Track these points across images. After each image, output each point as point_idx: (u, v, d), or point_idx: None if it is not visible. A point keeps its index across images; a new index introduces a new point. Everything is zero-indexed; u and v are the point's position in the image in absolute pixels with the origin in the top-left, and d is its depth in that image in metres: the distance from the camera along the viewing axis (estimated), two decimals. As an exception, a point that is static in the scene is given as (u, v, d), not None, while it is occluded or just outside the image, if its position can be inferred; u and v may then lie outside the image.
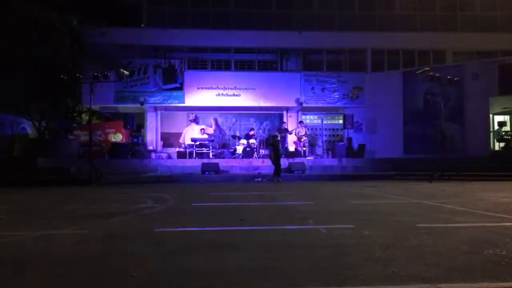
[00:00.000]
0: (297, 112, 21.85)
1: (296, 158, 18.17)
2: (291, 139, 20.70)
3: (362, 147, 19.67)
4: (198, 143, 19.08)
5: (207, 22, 22.20)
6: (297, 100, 20.85)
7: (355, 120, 19.99)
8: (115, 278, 2.86)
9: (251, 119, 22.45)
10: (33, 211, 6.85)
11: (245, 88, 20.77)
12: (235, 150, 19.27)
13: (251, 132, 19.26)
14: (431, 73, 14.82)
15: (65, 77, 15.46)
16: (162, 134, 21.66)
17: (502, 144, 18.80)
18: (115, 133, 20.01)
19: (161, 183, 14.03)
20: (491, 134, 18.89)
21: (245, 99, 20.73)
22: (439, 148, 14.56)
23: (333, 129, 22.86)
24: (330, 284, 2.63)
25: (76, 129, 20.21)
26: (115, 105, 20.70)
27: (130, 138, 19.65)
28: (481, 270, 2.90)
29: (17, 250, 3.83)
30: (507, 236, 4.06)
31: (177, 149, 20.05)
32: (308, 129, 20.20)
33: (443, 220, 5.24)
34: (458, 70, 17.82)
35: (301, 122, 20.24)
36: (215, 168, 16.29)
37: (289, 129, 20.04)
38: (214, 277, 2.83)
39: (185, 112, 21.85)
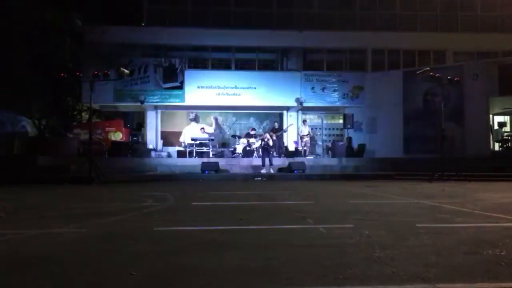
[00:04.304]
0: (297, 111, 21.86)
1: (296, 158, 18.18)
2: (291, 138, 20.72)
3: (362, 146, 19.67)
4: (198, 142, 19.08)
5: (207, 21, 22.20)
6: (297, 100, 20.85)
7: (355, 120, 20.00)
8: (115, 277, 2.87)
9: (251, 119, 22.47)
10: (32, 209, 6.85)
11: (246, 88, 20.78)
12: (235, 149, 19.28)
13: (252, 132, 19.26)
14: (431, 73, 14.82)
15: (66, 76, 15.44)
16: (162, 133, 21.66)
17: (502, 145, 18.81)
18: (115, 131, 20.00)
19: (161, 182, 14.03)
20: (491, 134, 18.88)
21: (245, 99, 20.73)
22: (439, 148, 14.56)
23: (333, 129, 22.87)
24: (329, 284, 2.63)
25: (76, 127, 20.21)
26: (115, 104, 20.71)
27: (130, 137, 19.65)
28: (480, 270, 2.90)
29: (16, 248, 3.83)
30: (507, 237, 4.06)
31: (177, 148, 20.06)
32: (310, 129, 20.14)
33: (443, 220, 5.24)
34: (458, 70, 17.82)
35: (304, 121, 20.23)
36: (215, 167, 16.29)
37: (284, 127, 20.17)
38: (214, 276, 2.83)
39: (185, 111, 21.87)
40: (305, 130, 19.47)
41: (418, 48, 22.84)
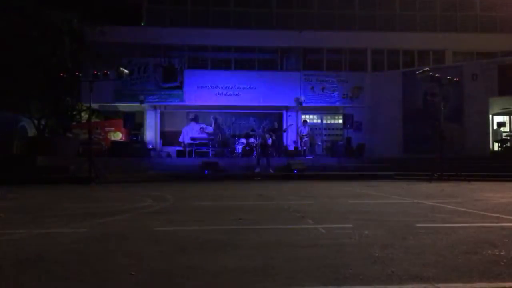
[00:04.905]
0: (297, 111, 21.86)
1: (295, 157, 18.19)
2: (290, 138, 20.73)
3: (361, 146, 19.68)
4: (197, 142, 19.08)
5: (207, 21, 22.21)
6: (297, 100, 20.86)
7: (354, 119, 20.02)
8: (114, 277, 2.87)
9: (250, 119, 22.47)
10: (32, 209, 6.85)
11: (245, 88, 20.78)
12: (234, 149, 19.29)
13: (251, 132, 19.27)
14: (430, 73, 14.82)
15: (65, 76, 15.43)
16: (161, 132, 21.67)
17: (501, 145, 18.83)
18: (114, 131, 20.00)
19: (160, 182, 14.03)
20: (490, 134, 18.90)
21: (244, 98, 20.74)
22: (439, 148, 14.58)
23: (333, 129, 22.87)
24: (329, 284, 2.64)
25: (76, 127, 20.19)
26: (114, 104, 20.71)
27: (130, 136, 19.64)
28: (479, 270, 2.90)
29: (15, 248, 3.83)
30: (506, 237, 4.07)
31: (177, 148, 20.06)
32: (309, 129, 20.16)
33: (442, 220, 5.25)
34: (457, 71, 17.84)
35: (304, 121, 20.25)
36: (214, 167, 16.29)
37: (283, 127, 20.26)
38: (213, 276, 2.83)
39: (185, 111, 21.86)
40: (305, 130, 19.49)
41: (417, 48, 22.86)
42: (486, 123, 18.47)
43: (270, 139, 17.20)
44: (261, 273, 2.88)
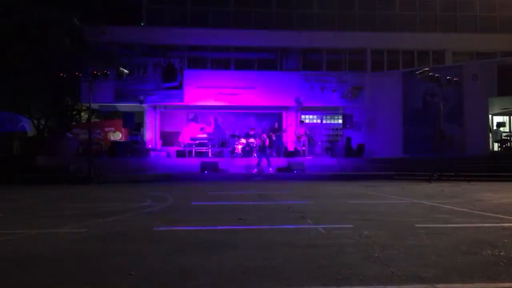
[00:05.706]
0: (296, 111, 21.86)
1: (295, 158, 18.20)
2: (290, 138, 20.74)
3: (361, 147, 19.68)
4: (197, 142, 19.07)
5: (206, 21, 22.20)
6: (297, 100, 20.84)
7: (354, 120, 20.02)
8: (114, 276, 2.87)
9: (250, 119, 22.45)
10: (31, 209, 6.85)
11: (245, 88, 20.77)
12: (234, 149, 19.29)
13: (251, 132, 19.27)
14: (430, 74, 14.83)
15: (65, 75, 15.46)
16: (161, 132, 21.65)
17: (501, 145, 18.83)
18: (114, 131, 20.00)
19: (160, 182, 14.03)
20: (490, 134, 18.89)
21: (244, 98, 20.72)
22: (438, 148, 14.58)
23: (333, 129, 22.86)
24: (329, 284, 2.64)
25: (76, 127, 20.20)
26: (114, 104, 20.69)
27: (129, 136, 19.65)
28: (479, 270, 2.91)
29: (15, 248, 3.83)
30: (506, 237, 4.07)
31: (176, 148, 20.05)
32: (307, 129, 20.18)
33: (442, 221, 5.25)
34: (457, 71, 17.83)
35: (302, 121, 20.29)
36: (214, 167, 16.30)
37: (283, 128, 20.33)
38: (213, 276, 2.83)
39: (185, 111, 21.85)
40: (302, 130, 19.50)
41: (417, 48, 22.84)
42: (485, 123, 18.47)
43: (268, 140, 17.27)
44: (261, 273, 2.88)
